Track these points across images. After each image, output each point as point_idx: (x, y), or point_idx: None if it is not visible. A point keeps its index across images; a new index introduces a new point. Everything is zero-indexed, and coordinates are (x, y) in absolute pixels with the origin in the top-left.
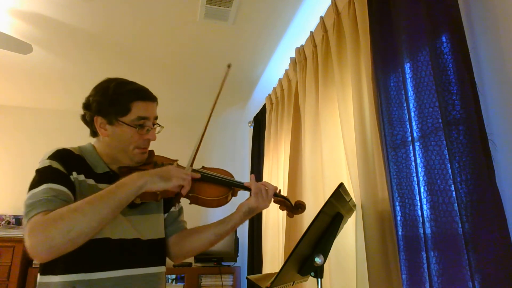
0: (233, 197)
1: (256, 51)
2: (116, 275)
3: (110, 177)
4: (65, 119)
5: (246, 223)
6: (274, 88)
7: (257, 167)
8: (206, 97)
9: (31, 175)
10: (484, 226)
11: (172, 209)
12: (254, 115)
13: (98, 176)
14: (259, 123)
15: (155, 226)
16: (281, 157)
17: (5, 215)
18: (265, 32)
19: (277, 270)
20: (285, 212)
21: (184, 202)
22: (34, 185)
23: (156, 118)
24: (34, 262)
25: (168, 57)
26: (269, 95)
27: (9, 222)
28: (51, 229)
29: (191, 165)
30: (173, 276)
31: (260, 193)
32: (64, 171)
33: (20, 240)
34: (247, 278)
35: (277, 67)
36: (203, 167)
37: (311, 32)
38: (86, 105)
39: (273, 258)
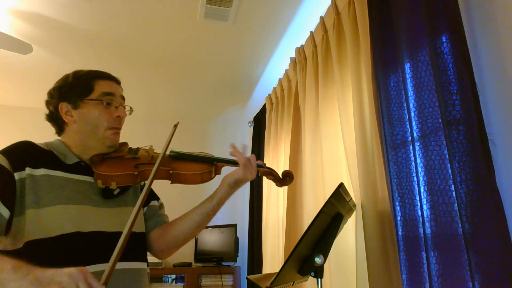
0: (217, 175)
1: (256, 51)
2: (91, 271)
3: (82, 168)
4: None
5: (246, 223)
6: (274, 88)
7: None
8: (205, 97)
9: None
10: (484, 226)
11: (153, 202)
12: (254, 115)
13: (68, 167)
14: (259, 123)
15: (138, 219)
16: (281, 157)
17: None
18: (265, 32)
19: (277, 270)
20: (285, 212)
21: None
22: None
23: (123, 98)
24: None
25: (168, 57)
26: (269, 95)
27: None
28: None
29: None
30: (173, 276)
31: (249, 164)
32: (8, 168)
33: None
34: (247, 278)
35: (277, 67)
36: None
37: (311, 32)
38: (48, 97)
39: (273, 258)
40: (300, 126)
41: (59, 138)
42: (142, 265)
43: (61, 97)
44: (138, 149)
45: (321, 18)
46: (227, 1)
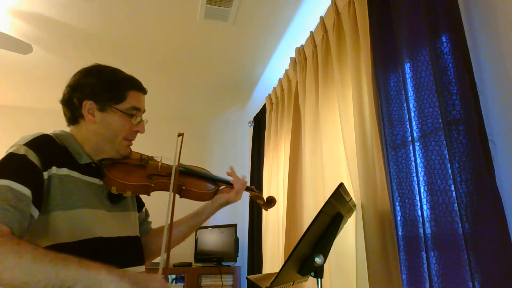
0: None
1: (256, 51)
2: None
3: (92, 169)
4: (65, 119)
5: (246, 223)
6: (274, 88)
7: (257, 167)
8: (205, 97)
9: None
10: (484, 226)
11: (143, 209)
12: (254, 115)
13: (81, 167)
14: (259, 123)
15: (135, 224)
16: (281, 157)
17: None
18: (265, 32)
19: (277, 270)
20: (285, 212)
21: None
22: None
23: (144, 111)
24: None
25: (168, 57)
26: (269, 95)
27: None
28: None
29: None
30: (173, 276)
31: (242, 190)
32: (39, 166)
33: None
34: (247, 278)
35: (277, 67)
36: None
37: (311, 32)
38: (75, 87)
39: (273, 258)
40: (300, 126)
41: (68, 131)
42: (142, 268)
43: (90, 95)
44: (148, 158)
45: (321, 18)
46: (227, 1)
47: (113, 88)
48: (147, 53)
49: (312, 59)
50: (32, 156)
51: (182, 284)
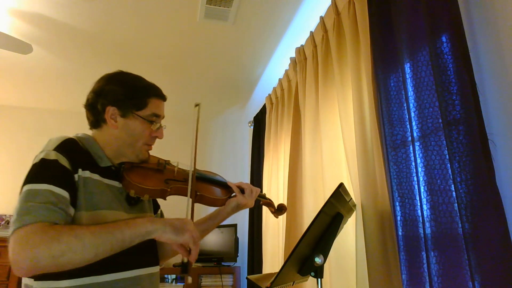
0: None
1: (256, 51)
2: (126, 276)
3: (112, 172)
4: (65, 119)
5: (246, 223)
6: (274, 88)
7: (257, 167)
8: (206, 97)
9: None
10: (484, 226)
11: (159, 211)
12: (254, 115)
13: (102, 170)
14: (259, 123)
15: None
16: (281, 157)
17: (5, 215)
18: (265, 32)
19: (277, 270)
20: (285, 213)
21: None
22: (33, 178)
23: (163, 118)
24: None
25: (168, 57)
26: (269, 95)
27: (8, 222)
28: (43, 249)
29: (192, 216)
30: (173, 276)
31: (250, 193)
32: (70, 169)
33: None
34: (247, 278)
35: (277, 67)
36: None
37: (311, 32)
38: (99, 92)
39: (273, 258)
40: (300, 126)
41: (91, 135)
42: (157, 269)
43: (113, 101)
44: (166, 162)
45: (321, 18)
46: (227, 1)
47: (136, 95)
48: (147, 52)
49: (312, 59)
50: (63, 160)
51: (182, 284)
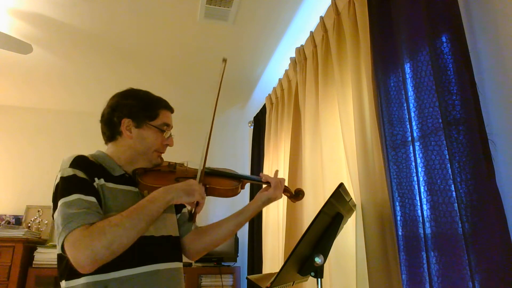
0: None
1: (256, 51)
2: (144, 271)
3: (126, 179)
4: (66, 119)
5: (246, 223)
6: (274, 88)
7: (257, 167)
8: (206, 97)
9: (32, 175)
10: (484, 226)
11: (184, 210)
12: (254, 115)
13: (115, 178)
14: (259, 123)
15: (174, 224)
16: (281, 157)
17: (5, 215)
18: (265, 32)
19: (277, 270)
20: (285, 212)
21: None
22: (63, 193)
23: (172, 127)
24: (34, 262)
25: (168, 57)
26: (269, 95)
27: (9, 222)
28: (96, 243)
29: (200, 179)
30: None
31: (280, 185)
32: (88, 179)
33: (20, 240)
34: (247, 278)
35: (277, 67)
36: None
37: (311, 32)
38: (115, 107)
39: (273, 258)
40: (300, 126)
41: (102, 150)
42: (180, 264)
43: (129, 114)
44: (175, 164)
45: (321, 18)
46: (227, 1)
47: (148, 108)
48: (147, 52)
49: (312, 59)
50: (80, 173)
51: None
